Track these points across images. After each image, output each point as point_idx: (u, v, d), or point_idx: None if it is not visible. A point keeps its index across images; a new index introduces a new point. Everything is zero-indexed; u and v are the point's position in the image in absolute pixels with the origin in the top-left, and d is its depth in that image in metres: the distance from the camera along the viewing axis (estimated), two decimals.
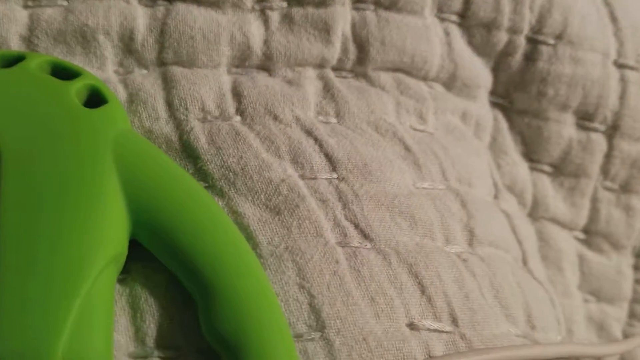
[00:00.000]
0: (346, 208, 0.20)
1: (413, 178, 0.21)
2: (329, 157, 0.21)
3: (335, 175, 0.20)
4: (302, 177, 0.20)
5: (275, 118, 0.21)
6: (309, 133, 0.21)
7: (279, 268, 0.18)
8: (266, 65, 0.22)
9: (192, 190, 0.18)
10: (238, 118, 0.21)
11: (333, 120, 0.22)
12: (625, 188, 0.27)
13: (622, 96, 0.25)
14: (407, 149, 0.22)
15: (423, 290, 0.19)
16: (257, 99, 0.21)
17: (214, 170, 0.20)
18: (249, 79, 0.22)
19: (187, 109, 0.21)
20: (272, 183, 0.20)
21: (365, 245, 0.19)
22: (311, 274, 0.18)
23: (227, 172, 0.20)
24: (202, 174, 0.20)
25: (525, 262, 0.23)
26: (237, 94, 0.21)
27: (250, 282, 0.16)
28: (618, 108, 0.25)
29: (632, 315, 0.27)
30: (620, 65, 0.25)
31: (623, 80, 0.25)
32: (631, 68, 0.25)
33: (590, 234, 0.27)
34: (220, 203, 0.19)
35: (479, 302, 0.20)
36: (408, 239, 0.20)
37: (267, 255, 0.18)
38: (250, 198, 0.19)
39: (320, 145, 0.21)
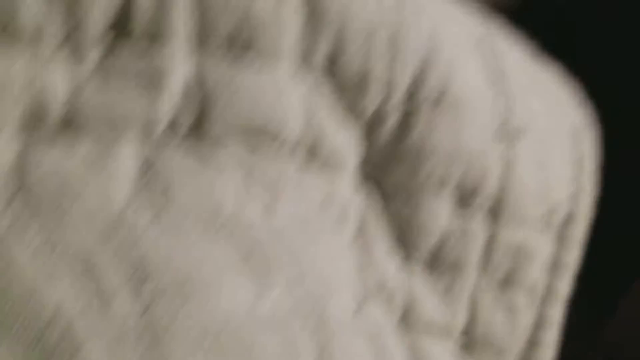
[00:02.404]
0: (150, 349, 0.14)
1: (253, 293, 0.16)
2: (140, 262, 0.15)
3: (142, 304, 0.15)
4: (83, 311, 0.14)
5: (65, 212, 0.15)
6: (114, 228, 0.16)
7: None
8: (72, 126, 0.16)
9: None
10: (7, 218, 0.15)
11: (153, 209, 0.16)
12: (507, 280, 0.23)
13: (505, 173, 0.22)
14: (249, 250, 0.17)
15: None
16: (47, 183, 0.15)
17: None
18: (40, 150, 0.16)
19: None
20: (41, 319, 0.13)
21: None
22: None
23: None
24: None
25: None
26: (19, 174, 0.15)
27: None
28: (500, 187, 0.22)
29: None
30: (504, 137, 0.22)
31: (507, 155, 0.22)
32: (517, 137, 0.22)
33: (470, 337, 0.23)
34: None
35: None
36: None
37: None
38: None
39: (132, 246, 0.15)
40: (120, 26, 0.16)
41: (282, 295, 0.17)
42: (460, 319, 0.22)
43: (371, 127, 0.20)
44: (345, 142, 0.20)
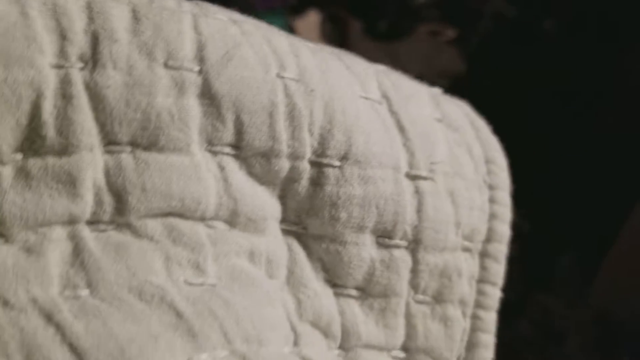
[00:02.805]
0: None
1: (187, 352, 0.19)
2: (73, 349, 0.17)
3: None
4: None
5: (6, 303, 0.17)
6: (49, 318, 0.18)
7: None
8: (0, 231, 0.19)
9: None
10: None
11: (84, 292, 0.19)
12: (438, 298, 0.25)
13: (419, 209, 0.24)
14: (179, 315, 0.19)
15: None
16: None
17: None
18: None
19: None
20: None
21: None
22: None
23: None
24: None
25: None
26: None
27: None
28: (417, 221, 0.24)
29: None
30: (413, 177, 0.24)
31: (418, 192, 0.24)
32: (424, 178, 0.24)
33: (410, 352, 0.25)
34: None
35: None
36: None
37: None
38: None
39: (63, 334, 0.17)
40: (30, 145, 0.19)
41: (218, 345, 0.19)
42: (398, 336, 0.25)
43: (285, 189, 0.23)
44: (263, 205, 0.22)
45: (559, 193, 0.76)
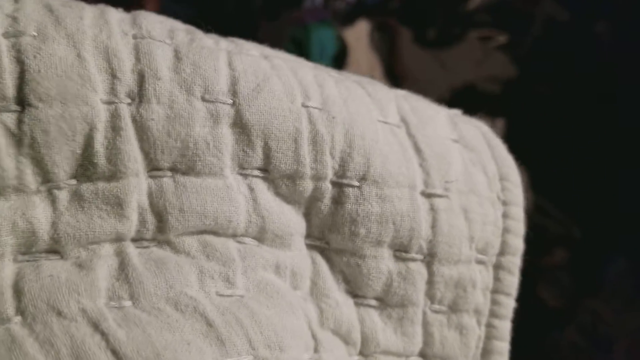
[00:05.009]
0: None
1: (215, 357, 0.21)
2: (116, 354, 0.20)
3: None
4: None
5: (59, 314, 0.20)
6: (95, 327, 0.20)
7: None
8: (56, 249, 0.22)
9: None
10: (18, 319, 0.20)
11: (127, 303, 0.21)
12: (454, 308, 0.27)
13: (434, 224, 0.26)
14: (209, 324, 0.22)
15: None
16: (39, 294, 0.20)
17: None
18: (33, 269, 0.21)
19: None
20: None
21: None
22: None
23: None
24: None
25: None
26: (17, 291, 0.21)
27: None
28: (432, 236, 0.26)
29: None
30: (428, 195, 0.26)
31: (433, 209, 0.26)
32: (439, 196, 0.26)
33: (428, 358, 0.27)
34: None
35: None
36: None
37: None
38: None
39: (107, 341, 0.20)
40: (83, 172, 0.22)
41: (243, 351, 0.21)
42: (416, 343, 0.27)
43: (309, 207, 0.25)
44: (289, 222, 0.24)
45: (611, 198, 0.76)
